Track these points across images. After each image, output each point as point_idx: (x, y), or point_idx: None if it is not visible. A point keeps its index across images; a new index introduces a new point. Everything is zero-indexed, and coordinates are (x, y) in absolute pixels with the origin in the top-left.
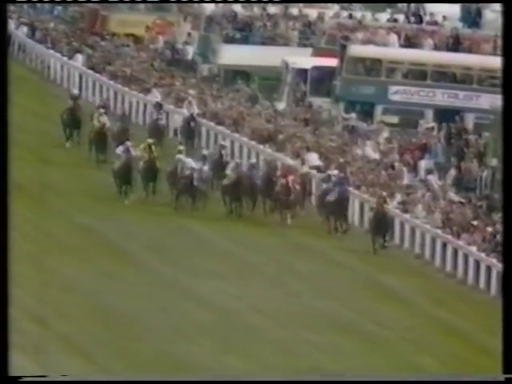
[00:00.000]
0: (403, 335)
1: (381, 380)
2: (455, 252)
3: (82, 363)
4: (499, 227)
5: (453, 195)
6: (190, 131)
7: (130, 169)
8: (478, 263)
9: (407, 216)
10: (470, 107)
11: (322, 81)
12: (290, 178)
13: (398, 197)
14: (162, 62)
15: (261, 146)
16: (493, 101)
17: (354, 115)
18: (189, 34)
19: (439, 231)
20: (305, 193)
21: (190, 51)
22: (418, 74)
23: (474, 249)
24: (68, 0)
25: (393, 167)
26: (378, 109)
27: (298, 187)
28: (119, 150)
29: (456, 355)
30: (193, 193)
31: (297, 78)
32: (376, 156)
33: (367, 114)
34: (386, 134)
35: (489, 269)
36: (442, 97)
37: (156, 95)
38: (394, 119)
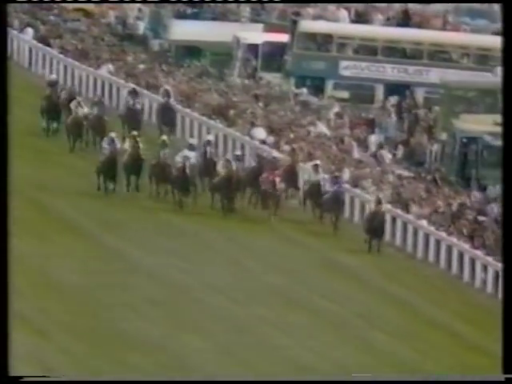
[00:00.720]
0: (355, 310)
1: (380, 380)
2: (405, 226)
3: (36, 340)
4: (449, 200)
5: (403, 169)
6: (166, 118)
7: (114, 163)
8: (427, 236)
9: (357, 190)
10: (420, 82)
11: (272, 56)
12: (277, 176)
13: (348, 171)
14: (113, 37)
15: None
16: (442, 75)
17: (304, 90)
18: (140, 10)
19: (389, 206)
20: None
21: (141, 26)
22: (368, 50)
23: (424, 222)
24: (68, 0)
25: (342, 141)
26: (329, 84)
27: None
28: (104, 142)
29: (407, 329)
30: (185, 185)
31: (248, 54)
32: (327, 131)
33: (318, 89)
34: (336, 108)
35: (438, 243)
36: (392, 72)
37: (107, 70)
38: (345, 94)
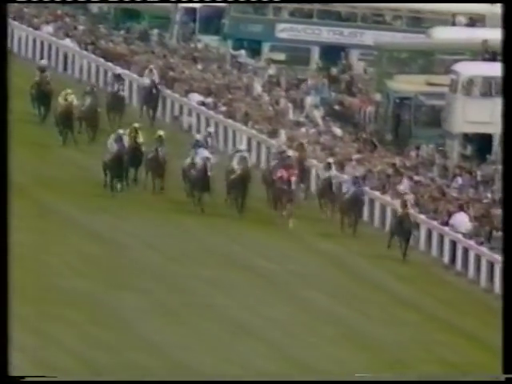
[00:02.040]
0: (291, 269)
1: (380, 380)
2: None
3: None
4: (384, 160)
5: (337, 130)
6: (151, 100)
7: (121, 161)
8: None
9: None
10: (355, 44)
11: (210, 19)
12: (293, 174)
13: (283, 132)
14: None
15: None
16: (376, 37)
17: (242, 52)
18: None
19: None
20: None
21: None
22: (304, 13)
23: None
24: (68, 0)
25: (278, 103)
26: (266, 46)
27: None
28: (111, 139)
29: (344, 288)
30: (206, 185)
31: (186, 17)
32: (263, 92)
33: (255, 51)
34: (272, 70)
35: (384, 208)
36: (327, 34)
37: (46, 31)
38: (281, 56)
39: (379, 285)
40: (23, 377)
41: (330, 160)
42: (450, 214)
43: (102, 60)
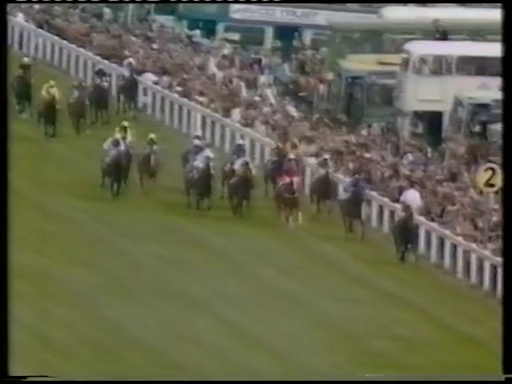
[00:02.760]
0: (245, 246)
1: (380, 380)
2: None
3: None
4: (336, 138)
5: (291, 108)
6: (131, 92)
7: (120, 164)
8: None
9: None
10: (308, 24)
11: None
12: (295, 178)
13: (237, 111)
14: None
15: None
16: (329, 17)
17: (197, 32)
18: None
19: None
20: (319, 197)
21: None
22: None
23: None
24: (68, 0)
25: (231, 82)
26: (220, 26)
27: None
28: (108, 142)
29: (296, 265)
30: (208, 187)
31: None
32: (217, 72)
33: (210, 31)
34: (227, 50)
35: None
36: (281, 14)
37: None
38: (236, 36)
39: (335, 263)
40: (23, 377)
41: (326, 156)
42: (401, 191)
43: (57, 38)
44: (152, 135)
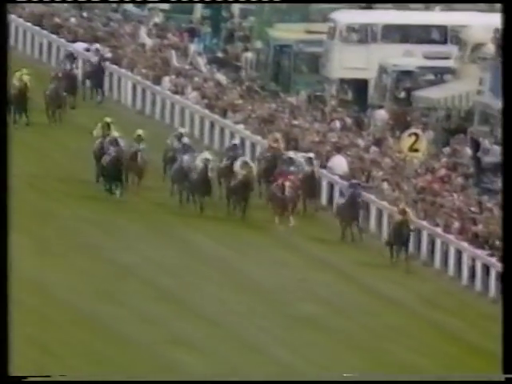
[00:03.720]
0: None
1: (379, 380)
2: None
3: None
4: (264, 105)
5: (221, 77)
6: (98, 77)
7: (120, 164)
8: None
9: None
10: None
11: None
12: (287, 180)
13: (167, 79)
14: None
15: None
16: None
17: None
18: None
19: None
20: (305, 195)
21: None
22: None
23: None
24: (68, 0)
25: (161, 50)
26: None
27: (292, 191)
28: (107, 142)
29: (227, 232)
30: (207, 188)
31: None
32: (148, 40)
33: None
34: (158, 19)
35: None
36: None
37: None
38: (166, 5)
39: (266, 230)
40: (23, 377)
41: (311, 155)
42: (328, 157)
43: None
44: (139, 131)
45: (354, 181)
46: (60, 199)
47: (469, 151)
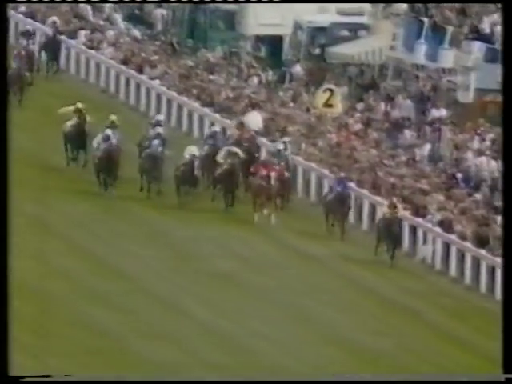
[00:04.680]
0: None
1: (379, 380)
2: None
3: None
4: (180, 61)
5: (136, 32)
6: (54, 50)
7: (112, 159)
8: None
9: None
10: None
11: None
12: (273, 170)
13: (82, 33)
14: None
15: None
16: None
17: None
18: None
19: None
20: (288, 188)
21: None
22: None
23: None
24: (68, 0)
25: (77, 5)
26: None
27: (277, 182)
28: (98, 138)
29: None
30: (193, 181)
31: None
32: None
33: None
34: None
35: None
36: None
37: None
38: None
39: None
40: (23, 377)
41: (286, 139)
42: (244, 113)
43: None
44: (113, 117)
45: (341, 176)
46: (29, 189)
47: (382, 106)
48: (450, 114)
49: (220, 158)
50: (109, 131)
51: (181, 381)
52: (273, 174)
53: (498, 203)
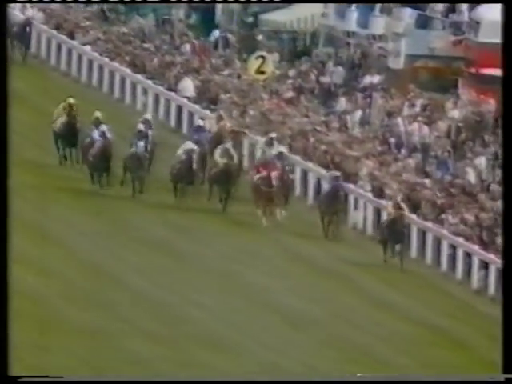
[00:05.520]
0: None
1: (379, 380)
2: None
3: None
4: (114, 29)
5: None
6: (25, 37)
7: (107, 155)
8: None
9: None
10: None
11: None
12: (273, 171)
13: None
14: None
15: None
16: None
17: None
18: None
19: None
20: (287, 190)
21: None
22: None
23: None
24: (68, 0)
25: None
26: None
27: (278, 182)
28: (94, 134)
29: None
30: (191, 178)
31: None
32: None
33: None
34: None
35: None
36: None
37: None
38: None
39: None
40: (22, 377)
41: (273, 135)
42: (177, 81)
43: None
44: (98, 113)
45: (334, 173)
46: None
47: (314, 73)
48: (381, 80)
49: (217, 156)
50: (104, 127)
51: (181, 381)
52: (273, 175)
53: (430, 168)
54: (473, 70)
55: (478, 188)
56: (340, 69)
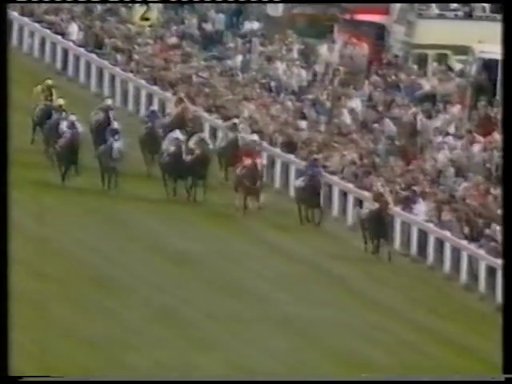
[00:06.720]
0: None
1: (379, 380)
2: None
3: None
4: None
5: None
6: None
7: (75, 147)
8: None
9: None
10: None
11: None
12: (258, 159)
13: None
14: None
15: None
16: None
17: None
18: None
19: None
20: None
21: None
22: None
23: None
24: (68, 0)
25: None
26: None
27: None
28: (62, 125)
29: None
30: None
31: None
32: None
33: None
34: None
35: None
36: None
37: None
38: None
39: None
40: (22, 377)
41: (236, 120)
42: (64, 25)
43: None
44: (61, 101)
45: (313, 158)
46: None
47: (195, 20)
48: (261, 26)
49: (192, 144)
50: (73, 117)
51: (181, 381)
52: (259, 161)
53: (306, 110)
54: (347, 17)
55: (354, 128)
56: (221, 15)
